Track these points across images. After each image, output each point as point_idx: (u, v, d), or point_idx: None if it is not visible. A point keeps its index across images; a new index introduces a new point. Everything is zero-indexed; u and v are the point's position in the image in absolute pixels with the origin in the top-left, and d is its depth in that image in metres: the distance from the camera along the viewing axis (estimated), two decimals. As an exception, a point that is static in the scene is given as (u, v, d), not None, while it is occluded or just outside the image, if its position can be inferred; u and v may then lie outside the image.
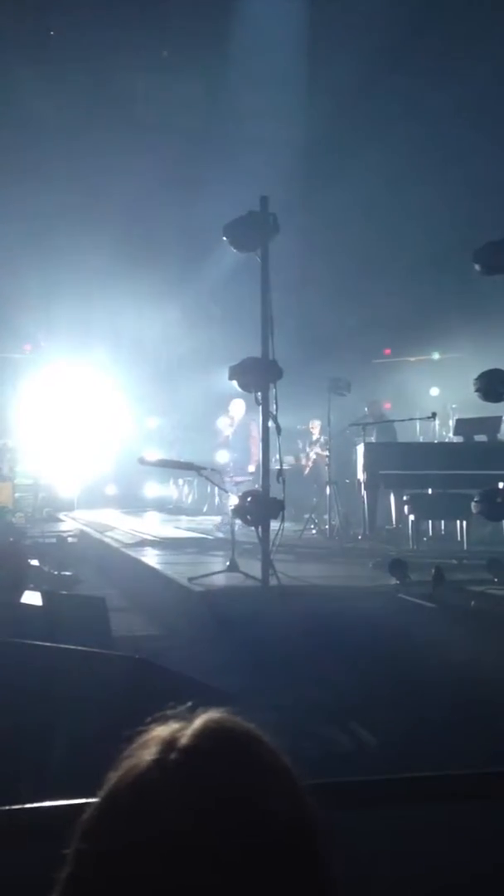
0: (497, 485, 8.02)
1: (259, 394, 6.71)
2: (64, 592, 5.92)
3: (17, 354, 15.78)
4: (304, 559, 8.48)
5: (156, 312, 15.49)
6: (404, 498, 9.70)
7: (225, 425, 11.45)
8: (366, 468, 9.97)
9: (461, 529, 9.27)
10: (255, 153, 13.54)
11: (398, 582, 6.49)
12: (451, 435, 11.63)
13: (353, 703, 4.15)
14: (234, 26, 14.50)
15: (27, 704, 2.98)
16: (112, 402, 15.70)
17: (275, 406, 6.67)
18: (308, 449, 13.08)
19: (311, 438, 13.00)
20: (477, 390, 6.59)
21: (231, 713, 0.85)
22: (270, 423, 6.70)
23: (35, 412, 14.92)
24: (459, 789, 2.14)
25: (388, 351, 16.35)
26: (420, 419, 11.97)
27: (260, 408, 6.81)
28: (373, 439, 11.01)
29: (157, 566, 7.89)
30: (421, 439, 13.08)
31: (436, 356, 15.42)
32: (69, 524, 12.66)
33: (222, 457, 11.02)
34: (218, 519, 11.94)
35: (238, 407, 11.16)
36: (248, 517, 6.73)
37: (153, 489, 16.04)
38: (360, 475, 10.14)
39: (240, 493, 7.59)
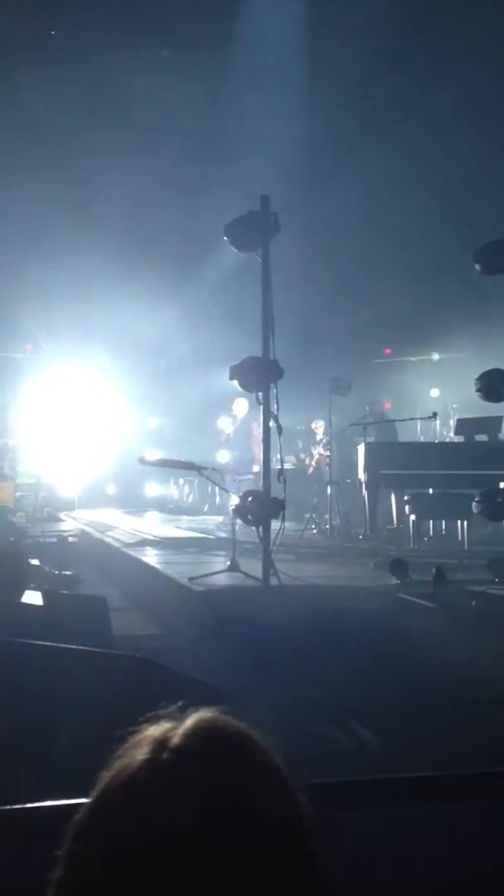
0: (498, 485, 8.03)
1: (260, 394, 6.72)
2: (65, 592, 5.91)
3: (18, 354, 15.78)
4: (305, 559, 8.46)
5: (156, 312, 15.47)
6: (405, 498, 9.71)
7: (226, 424, 11.46)
8: (366, 468, 9.97)
9: (462, 529, 9.26)
10: (256, 153, 13.55)
11: (399, 582, 6.49)
12: (451, 435, 11.63)
13: (354, 702, 4.15)
14: (235, 26, 14.49)
15: (28, 704, 2.97)
16: (113, 401, 15.72)
17: (276, 406, 6.68)
18: (312, 448, 13.09)
19: (314, 438, 13.00)
20: (478, 390, 6.61)
21: (223, 712, 0.85)
22: (271, 423, 6.72)
23: (36, 412, 14.91)
24: (459, 789, 2.15)
25: (388, 351, 16.35)
26: (421, 419, 11.98)
27: (261, 407, 6.82)
28: (373, 439, 11.02)
29: (157, 566, 7.88)
30: (422, 439, 13.09)
31: (436, 357, 15.41)
32: (70, 524, 12.65)
33: (223, 456, 11.03)
34: (219, 519, 11.94)
35: (241, 406, 11.17)
36: (249, 517, 6.73)
37: (154, 489, 16.07)
38: (361, 475, 10.14)
39: (241, 493, 7.59)
